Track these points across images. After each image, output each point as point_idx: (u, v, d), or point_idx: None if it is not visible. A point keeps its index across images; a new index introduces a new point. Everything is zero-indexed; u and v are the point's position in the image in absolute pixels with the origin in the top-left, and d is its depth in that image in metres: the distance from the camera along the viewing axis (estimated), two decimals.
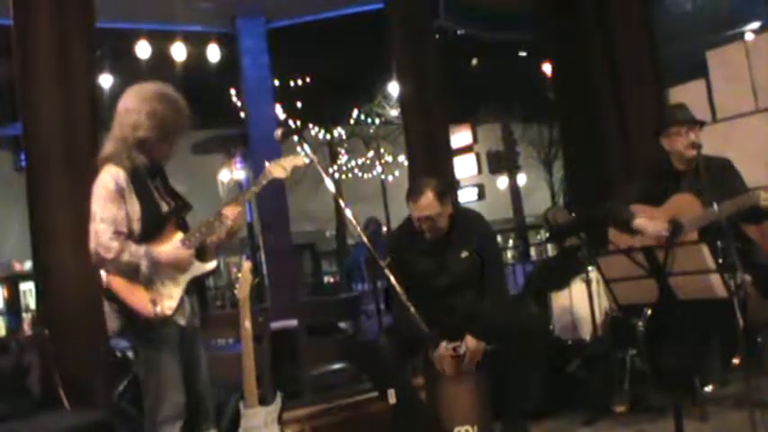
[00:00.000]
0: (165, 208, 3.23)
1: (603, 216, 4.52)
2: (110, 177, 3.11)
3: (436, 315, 3.93)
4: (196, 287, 3.30)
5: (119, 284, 3.09)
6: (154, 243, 3.14)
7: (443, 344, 3.91)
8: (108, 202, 3.08)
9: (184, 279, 3.19)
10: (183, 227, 3.27)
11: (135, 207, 3.13)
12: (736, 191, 4.08)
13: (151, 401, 3.14)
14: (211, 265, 3.30)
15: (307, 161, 3.50)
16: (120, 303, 3.09)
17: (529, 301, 5.52)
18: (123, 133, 3.15)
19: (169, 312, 3.10)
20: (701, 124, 4.37)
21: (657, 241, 4.05)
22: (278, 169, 3.43)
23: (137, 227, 3.13)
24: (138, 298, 3.08)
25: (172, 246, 3.17)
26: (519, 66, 17.40)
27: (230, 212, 3.28)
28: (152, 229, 3.15)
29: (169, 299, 3.12)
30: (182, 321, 3.19)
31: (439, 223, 4.04)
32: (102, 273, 3.12)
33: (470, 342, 3.91)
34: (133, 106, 3.15)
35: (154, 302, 3.06)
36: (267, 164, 3.45)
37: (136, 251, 3.07)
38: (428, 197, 3.98)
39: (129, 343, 3.28)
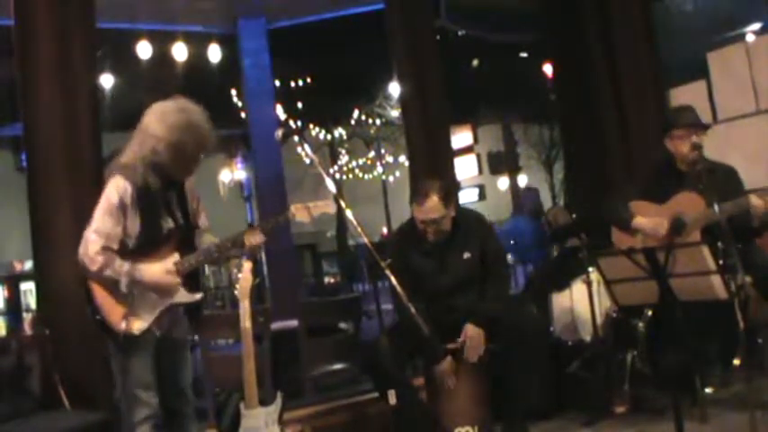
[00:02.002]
0: (170, 224, 3.23)
1: (603, 215, 4.53)
2: (115, 191, 3.12)
3: (438, 316, 3.94)
4: (186, 308, 3.32)
5: (99, 292, 3.13)
6: (147, 258, 3.15)
7: (449, 358, 3.92)
8: (106, 216, 3.10)
9: (163, 304, 3.19)
10: (185, 248, 3.26)
11: (135, 223, 3.14)
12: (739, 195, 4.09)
13: (125, 404, 3.19)
14: (197, 296, 3.30)
15: (334, 209, 3.46)
16: (94, 309, 3.13)
17: (528, 302, 5.52)
18: (142, 152, 3.14)
19: (137, 333, 3.12)
20: (706, 128, 4.38)
21: (657, 240, 4.06)
22: (303, 213, 3.42)
23: (132, 241, 3.14)
24: (112, 310, 3.12)
25: (160, 267, 3.16)
26: (519, 66, 17.38)
27: (250, 239, 3.29)
28: (148, 245, 3.17)
29: (141, 320, 3.14)
30: (157, 332, 3.21)
31: (443, 226, 4.06)
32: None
33: (470, 329, 3.92)
34: (155, 131, 3.12)
35: (125, 318, 3.09)
36: (292, 207, 3.43)
37: (119, 267, 3.09)
38: (433, 200, 3.99)
39: (107, 346, 3.30)
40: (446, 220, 4.06)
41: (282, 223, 3.43)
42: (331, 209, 3.46)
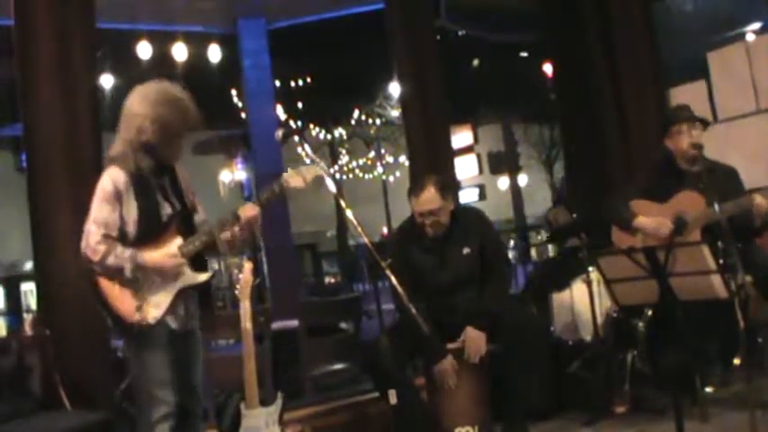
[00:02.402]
0: (167, 210, 3.21)
1: (603, 215, 4.53)
2: (109, 179, 3.12)
3: (438, 315, 3.94)
4: (195, 292, 3.30)
5: (107, 287, 3.10)
6: (150, 246, 3.13)
7: (450, 358, 3.92)
8: (103, 204, 3.10)
9: (173, 288, 3.17)
10: (186, 231, 3.24)
11: (132, 210, 3.12)
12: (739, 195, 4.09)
13: (142, 401, 3.16)
14: (204, 276, 3.27)
15: (324, 173, 3.40)
16: (106, 305, 3.10)
17: (528, 302, 5.52)
18: (129, 136, 3.15)
19: (152, 321, 3.09)
20: (704, 122, 4.38)
21: (658, 240, 4.06)
22: (296, 179, 3.36)
23: (132, 229, 3.13)
24: (123, 302, 3.08)
25: (163, 252, 3.14)
26: (520, 66, 17.40)
27: (246, 212, 3.26)
28: (149, 233, 3.15)
29: (155, 307, 3.11)
30: (172, 325, 3.19)
31: (440, 218, 4.06)
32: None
33: (470, 332, 3.92)
34: (138, 110, 3.13)
35: (139, 308, 3.06)
36: (285, 174, 3.38)
37: (121, 254, 3.07)
38: (430, 191, 4.01)
39: (121, 343, 3.28)
40: (444, 212, 4.06)
41: (279, 193, 3.36)
42: (321, 172, 3.39)
